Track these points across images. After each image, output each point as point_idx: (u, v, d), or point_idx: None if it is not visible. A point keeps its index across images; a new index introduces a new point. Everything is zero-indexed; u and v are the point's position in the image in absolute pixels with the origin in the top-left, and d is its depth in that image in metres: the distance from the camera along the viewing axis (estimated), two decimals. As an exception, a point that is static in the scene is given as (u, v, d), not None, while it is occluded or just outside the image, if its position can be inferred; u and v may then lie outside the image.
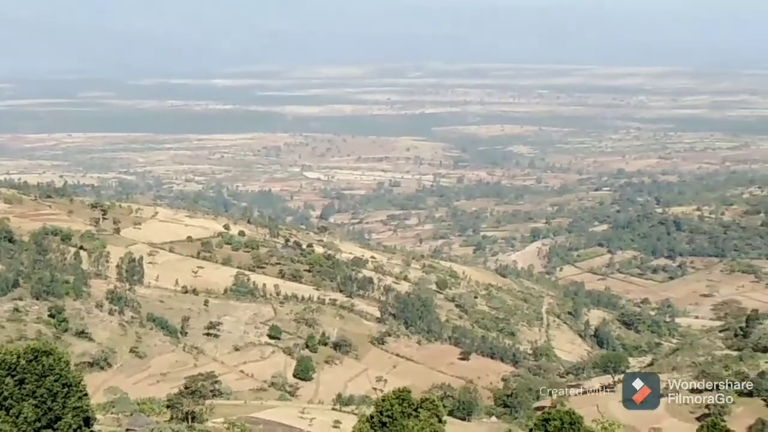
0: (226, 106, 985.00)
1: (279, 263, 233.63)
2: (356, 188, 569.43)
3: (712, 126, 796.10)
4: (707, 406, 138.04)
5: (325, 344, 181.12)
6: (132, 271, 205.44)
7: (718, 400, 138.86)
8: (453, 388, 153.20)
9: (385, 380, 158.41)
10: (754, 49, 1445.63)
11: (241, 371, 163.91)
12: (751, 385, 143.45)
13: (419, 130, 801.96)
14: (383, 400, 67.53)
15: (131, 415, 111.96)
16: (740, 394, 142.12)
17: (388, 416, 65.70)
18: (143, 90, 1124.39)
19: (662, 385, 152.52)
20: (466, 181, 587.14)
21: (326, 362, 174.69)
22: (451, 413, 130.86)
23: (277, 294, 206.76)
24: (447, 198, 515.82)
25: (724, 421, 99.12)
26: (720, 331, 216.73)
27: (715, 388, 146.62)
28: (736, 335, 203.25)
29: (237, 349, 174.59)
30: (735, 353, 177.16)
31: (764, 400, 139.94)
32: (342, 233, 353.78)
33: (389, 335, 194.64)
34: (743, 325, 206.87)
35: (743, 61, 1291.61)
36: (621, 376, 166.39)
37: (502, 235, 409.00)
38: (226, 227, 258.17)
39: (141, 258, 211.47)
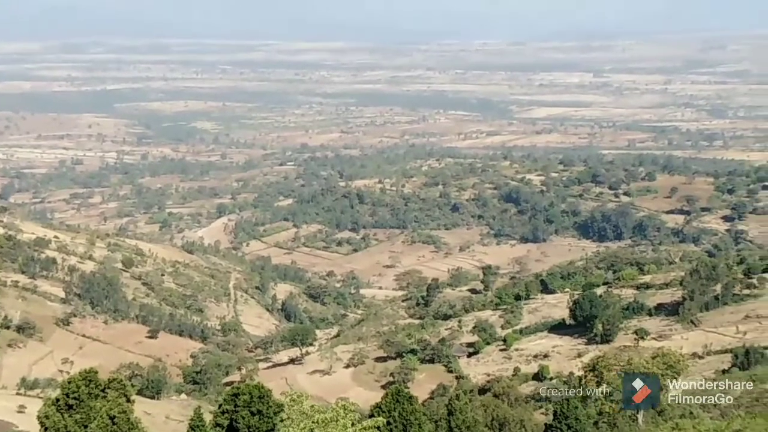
0: None
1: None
2: (37, 167, 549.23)
3: (392, 100, 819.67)
4: (392, 374, 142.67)
5: (8, 327, 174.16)
6: None
7: (402, 368, 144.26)
8: (141, 367, 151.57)
9: (72, 362, 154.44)
10: (428, 26, 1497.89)
11: None
12: (433, 351, 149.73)
13: (101, 106, 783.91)
14: (69, 382, 66.09)
15: None
16: (422, 361, 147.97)
17: (74, 398, 64.43)
18: None
19: (348, 356, 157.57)
20: (151, 158, 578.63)
21: (9, 346, 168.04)
22: (140, 392, 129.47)
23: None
24: (131, 175, 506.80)
25: (407, 387, 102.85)
26: (403, 301, 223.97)
27: (399, 356, 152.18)
28: (417, 304, 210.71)
29: None
30: (417, 321, 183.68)
31: (445, 366, 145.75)
32: (23, 213, 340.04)
33: (75, 316, 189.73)
34: (424, 294, 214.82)
35: (418, 37, 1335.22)
36: (308, 349, 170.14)
37: (188, 212, 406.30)
38: None
39: None
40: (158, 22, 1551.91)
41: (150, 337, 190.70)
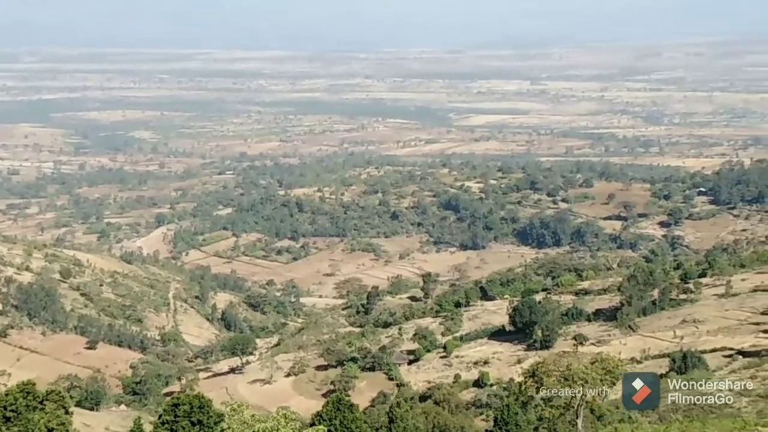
0: None
1: None
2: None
3: (330, 109, 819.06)
4: (332, 382, 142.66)
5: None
6: None
7: (343, 376, 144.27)
8: (80, 378, 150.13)
9: (9, 374, 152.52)
10: (366, 34, 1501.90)
11: None
12: (373, 359, 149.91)
13: (38, 116, 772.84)
14: (7, 395, 65.56)
15: None
16: (363, 369, 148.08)
17: (12, 411, 63.88)
18: None
19: (288, 365, 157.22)
20: (88, 167, 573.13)
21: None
22: (78, 404, 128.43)
23: None
24: (69, 185, 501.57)
25: (348, 395, 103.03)
26: (343, 309, 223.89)
27: (339, 364, 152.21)
28: (358, 312, 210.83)
29: None
30: (358, 329, 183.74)
31: (386, 374, 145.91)
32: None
33: (12, 328, 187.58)
34: (364, 302, 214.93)
35: (355, 46, 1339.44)
36: (249, 358, 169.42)
37: (127, 222, 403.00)
38: None
39: None
40: (93, 31, 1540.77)
41: (89, 348, 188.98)
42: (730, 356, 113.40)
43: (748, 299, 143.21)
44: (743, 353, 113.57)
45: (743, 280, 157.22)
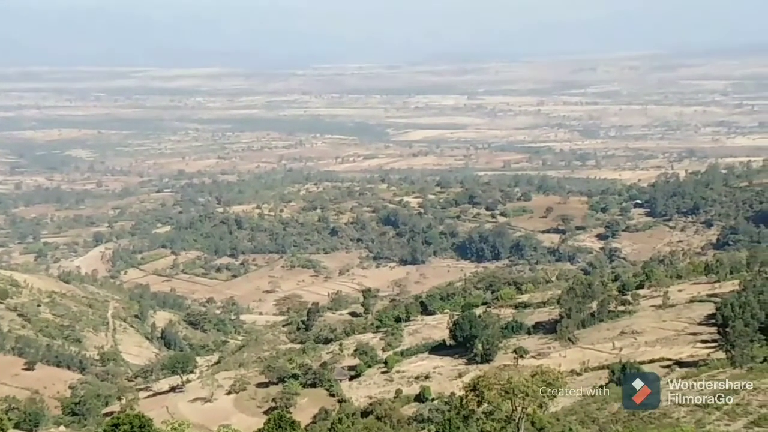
0: None
1: None
2: None
3: (268, 125, 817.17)
4: (274, 399, 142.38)
5: None
6: None
7: (284, 393, 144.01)
8: (18, 400, 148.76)
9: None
10: (303, 50, 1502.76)
11: None
12: (314, 375, 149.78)
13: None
14: (-55, 419, 65.01)
15: None
16: (305, 385, 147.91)
17: (-50, 435, 63.40)
18: None
19: (229, 383, 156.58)
20: (25, 187, 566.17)
21: None
22: (17, 426, 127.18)
23: None
24: (5, 205, 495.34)
25: (290, 412, 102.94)
26: (283, 326, 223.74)
27: (280, 381, 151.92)
28: (298, 328, 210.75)
29: None
30: (298, 346, 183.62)
31: (327, 390, 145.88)
32: None
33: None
34: (305, 318, 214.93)
35: (293, 62, 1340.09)
36: (189, 377, 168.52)
37: (64, 241, 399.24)
38: None
39: None
40: (27, 50, 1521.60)
41: (27, 369, 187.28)
42: (668, 367, 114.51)
43: (685, 310, 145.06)
44: (681, 364, 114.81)
45: (680, 291, 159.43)
